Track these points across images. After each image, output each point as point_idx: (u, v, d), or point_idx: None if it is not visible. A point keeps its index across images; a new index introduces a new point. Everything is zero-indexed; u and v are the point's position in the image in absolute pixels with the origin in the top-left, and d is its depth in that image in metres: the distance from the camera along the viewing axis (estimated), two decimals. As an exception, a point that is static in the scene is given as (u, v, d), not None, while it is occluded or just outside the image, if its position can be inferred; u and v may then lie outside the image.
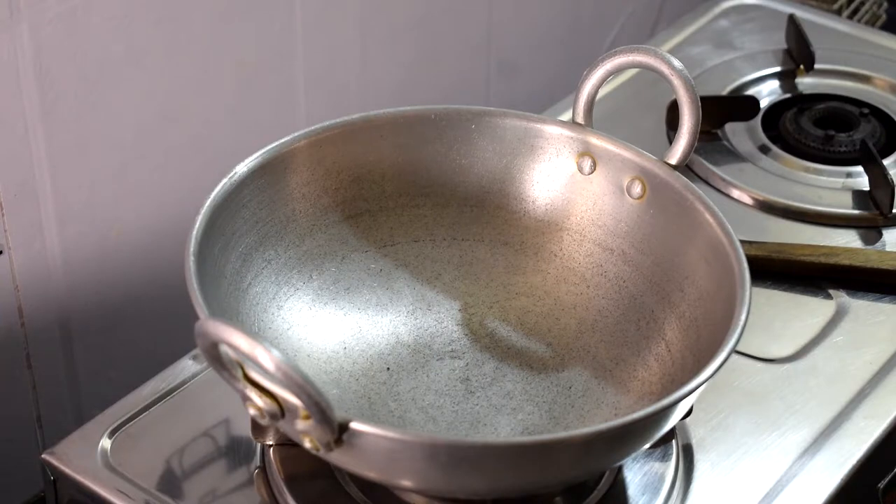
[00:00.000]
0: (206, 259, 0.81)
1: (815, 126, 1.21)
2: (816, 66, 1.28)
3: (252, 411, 0.71)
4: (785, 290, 1.04)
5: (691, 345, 0.84)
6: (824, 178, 1.17)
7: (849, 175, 1.17)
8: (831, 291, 1.04)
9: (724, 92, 1.25)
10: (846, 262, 1.04)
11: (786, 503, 0.86)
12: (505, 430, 0.87)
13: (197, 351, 0.94)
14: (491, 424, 0.87)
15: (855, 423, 0.92)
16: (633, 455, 0.82)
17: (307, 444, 0.72)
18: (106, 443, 0.88)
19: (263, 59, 1.18)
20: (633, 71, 1.24)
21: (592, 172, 0.93)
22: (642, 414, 0.73)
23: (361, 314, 0.93)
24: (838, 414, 0.93)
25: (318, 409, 0.68)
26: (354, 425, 0.70)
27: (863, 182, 1.15)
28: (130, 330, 1.18)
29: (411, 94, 1.34)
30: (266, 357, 0.67)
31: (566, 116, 1.07)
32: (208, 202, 0.83)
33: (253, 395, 0.70)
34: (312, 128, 0.90)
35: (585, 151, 0.92)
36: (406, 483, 0.77)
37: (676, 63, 0.88)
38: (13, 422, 1.13)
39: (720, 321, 0.80)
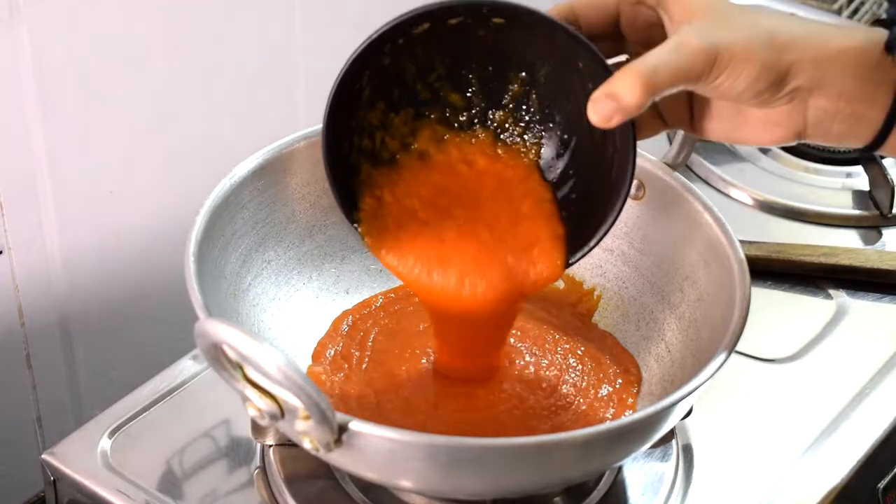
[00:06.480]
0: (206, 260, 0.81)
1: (815, 126, 1.21)
2: (816, 65, 1.28)
3: (252, 412, 0.71)
4: (785, 290, 1.04)
5: (691, 345, 0.84)
6: (824, 178, 1.17)
7: (849, 175, 1.17)
8: (831, 291, 1.04)
9: (724, 92, 1.24)
10: (846, 262, 1.04)
11: (786, 503, 0.86)
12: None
13: (197, 351, 0.93)
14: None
15: (855, 423, 0.92)
16: (633, 455, 0.82)
17: (307, 445, 0.72)
18: (106, 443, 0.88)
19: (263, 59, 1.18)
20: (633, 71, 1.24)
21: (592, 173, 0.93)
22: (642, 414, 0.73)
23: (361, 314, 0.93)
24: (838, 414, 0.93)
25: (318, 409, 0.68)
26: (354, 425, 0.70)
27: (863, 182, 1.15)
28: (130, 330, 1.18)
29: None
30: (266, 358, 0.67)
31: (566, 116, 1.07)
32: (208, 203, 0.83)
33: (253, 395, 0.70)
34: (312, 128, 0.90)
35: None
36: (406, 484, 0.77)
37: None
38: (13, 422, 1.13)
39: (720, 321, 0.80)
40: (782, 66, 0.71)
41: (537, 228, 0.82)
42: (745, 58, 0.70)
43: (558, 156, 0.82)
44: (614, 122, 0.70)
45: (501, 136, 0.82)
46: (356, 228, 0.81)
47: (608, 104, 0.70)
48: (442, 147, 0.82)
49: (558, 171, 0.82)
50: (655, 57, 0.70)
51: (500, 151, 0.82)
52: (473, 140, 0.82)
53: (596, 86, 0.71)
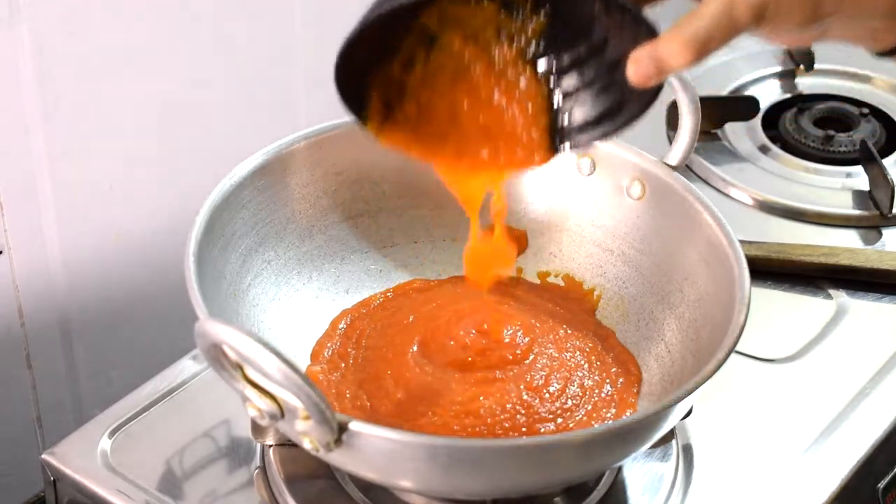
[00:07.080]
0: (206, 260, 0.81)
1: (814, 126, 1.21)
2: (816, 65, 1.28)
3: (252, 412, 0.71)
4: (785, 290, 1.04)
5: (691, 345, 0.84)
6: (824, 178, 1.17)
7: (849, 175, 1.17)
8: (831, 291, 1.04)
9: (724, 92, 1.25)
10: (846, 262, 1.04)
11: (786, 503, 0.86)
12: (505, 430, 0.87)
13: (197, 351, 0.93)
14: (491, 425, 0.87)
15: (855, 423, 0.92)
16: (633, 455, 0.82)
17: (307, 445, 0.72)
18: (106, 443, 0.88)
19: (263, 59, 1.18)
20: (633, 71, 1.24)
21: (592, 173, 0.93)
22: (642, 414, 0.73)
23: (361, 314, 0.93)
24: (838, 414, 0.93)
25: (318, 409, 0.68)
26: (354, 425, 0.70)
27: (863, 182, 1.15)
28: (130, 330, 1.18)
29: (411, 94, 1.34)
30: (265, 358, 0.67)
31: (566, 116, 1.07)
32: (208, 203, 0.83)
33: (253, 395, 0.70)
34: (312, 128, 0.90)
35: (585, 152, 0.92)
36: (406, 484, 0.77)
37: (676, 63, 0.88)
38: (13, 422, 1.13)
39: (720, 322, 0.80)
40: (821, 14, 0.71)
41: (536, 110, 0.79)
42: (789, 13, 0.70)
43: (570, 38, 0.77)
44: (653, 82, 0.70)
45: (508, 7, 0.78)
46: (363, 124, 0.78)
47: (650, 66, 0.69)
48: (445, 26, 0.79)
49: (569, 55, 0.78)
50: (705, 22, 0.69)
51: (505, 27, 0.79)
52: (478, 13, 0.79)
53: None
